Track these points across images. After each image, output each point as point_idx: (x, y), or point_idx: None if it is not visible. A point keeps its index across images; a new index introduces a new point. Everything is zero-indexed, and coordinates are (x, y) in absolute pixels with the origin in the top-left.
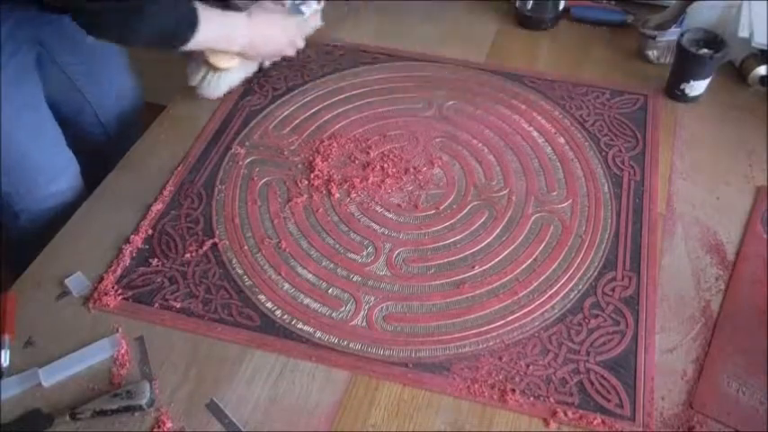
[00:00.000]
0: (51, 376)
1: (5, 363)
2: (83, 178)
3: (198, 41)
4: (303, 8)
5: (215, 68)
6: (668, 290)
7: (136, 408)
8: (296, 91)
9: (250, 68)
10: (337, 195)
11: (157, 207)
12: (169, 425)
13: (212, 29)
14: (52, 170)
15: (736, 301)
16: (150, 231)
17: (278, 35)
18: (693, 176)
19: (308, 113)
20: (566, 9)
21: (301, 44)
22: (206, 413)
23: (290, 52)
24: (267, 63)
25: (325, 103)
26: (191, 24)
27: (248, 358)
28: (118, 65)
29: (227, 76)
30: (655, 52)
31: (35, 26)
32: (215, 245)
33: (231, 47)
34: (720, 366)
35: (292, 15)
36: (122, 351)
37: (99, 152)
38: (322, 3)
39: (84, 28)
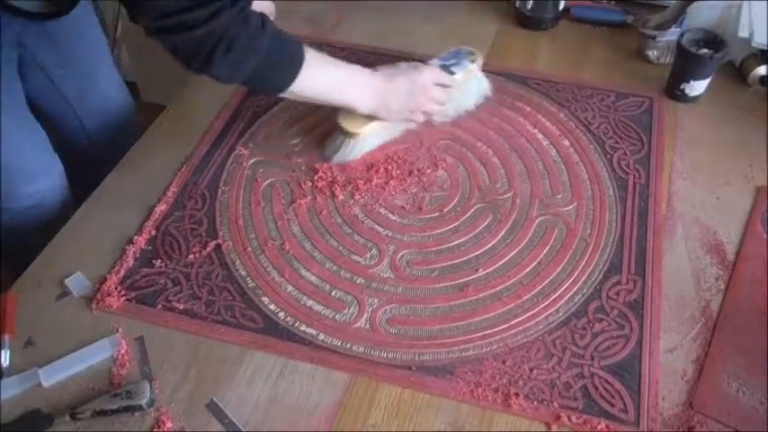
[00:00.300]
0: (51, 376)
1: (5, 363)
2: (71, 182)
3: (303, 87)
4: (455, 69)
5: (348, 133)
6: (668, 290)
7: (136, 408)
8: None
9: (392, 132)
10: (341, 197)
11: (161, 208)
12: (169, 425)
13: (320, 75)
14: (32, 170)
15: (736, 301)
16: (153, 232)
17: (409, 87)
18: (693, 176)
19: (313, 115)
20: (566, 9)
21: (441, 96)
22: (206, 413)
23: (434, 109)
24: (437, 119)
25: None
26: (293, 64)
27: (248, 358)
28: (103, 69)
29: (364, 143)
30: (655, 52)
31: (17, 27)
32: (218, 246)
33: (353, 103)
34: (720, 366)
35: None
36: (122, 351)
37: (84, 156)
38: (478, 62)
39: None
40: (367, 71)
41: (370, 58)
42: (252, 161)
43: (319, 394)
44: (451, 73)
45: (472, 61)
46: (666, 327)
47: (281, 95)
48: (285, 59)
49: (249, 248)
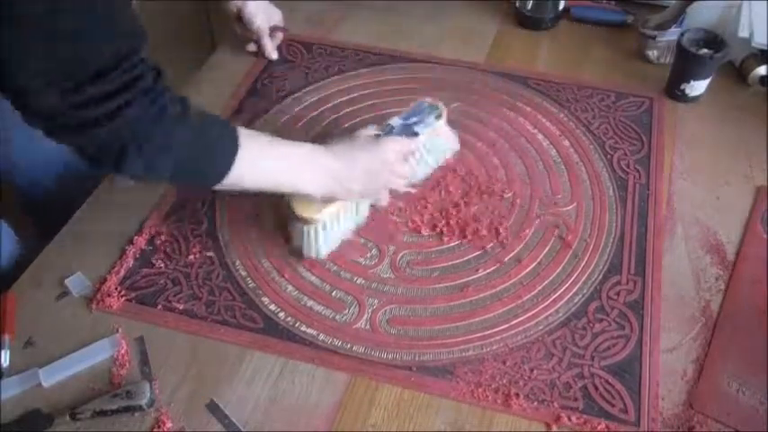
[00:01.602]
0: (51, 376)
1: (5, 363)
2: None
3: (241, 177)
4: (418, 128)
5: (306, 221)
6: (668, 290)
7: (136, 408)
8: (300, 92)
9: (362, 210)
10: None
11: (161, 208)
12: (169, 425)
13: (262, 162)
14: None
15: (736, 301)
16: (154, 232)
17: (369, 165)
18: (693, 176)
19: (313, 115)
20: (566, 9)
21: (406, 170)
22: (206, 413)
23: (399, 185)
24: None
25: (329, 105)
26: (225, 154)
27: (248, 358)
28: None
29: (332, 231)
30: (655, 52)
31: None
32: (218, 246)
33: (305, 189)
34: (720, 366)
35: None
36: (122, 351)
37: (44, 205)
38: (444, 116)
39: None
40: (320, 150)
41: (370, 58)
42: None
43: (319, 394)
44: (415, 134)
45: (437, 117)
46: (666, 327)
47: (216, 189)
48: (214, 150)
49: (249, 248)
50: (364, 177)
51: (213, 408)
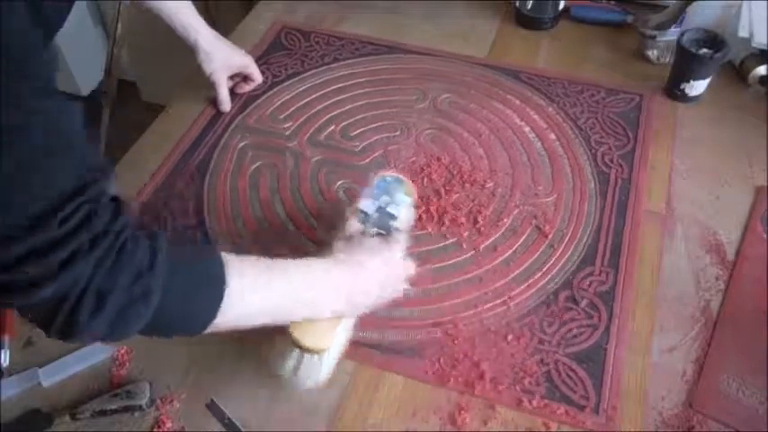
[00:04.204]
0: (51, 376)
1: (5, 363)
2: None
3: (235, 317)
4: (391, 209)
5: (310, 350)
6: (668, 290)
7: (136, 408)
8: (295, 78)
9: (350, 322)
10: (327, 182)
11: (147, 190)
12: (169, 425)
13: (258, 296)
14: None
15: (736, 301)
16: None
17: (387, 276)
18: (693, 176)
19: (305, 101)
20: (566, 9)
21: (412, 269)
22: (206, 413)
23: (406, 286)
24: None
25: (322, 92)
26: (209, 295)
27: (248, 358)
28: None
29: (331, 354)
30: (655, 52)
31: None
32: (206, 234)
33: (316, 316)
34: (720, 366)
35: (385, 231)
36: (122, 351)
37: None
38: (413, 191)
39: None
40: (329, 264)
41: (367, 48)
42: (242, 144)
43: (319, 394)
44: (393, 217)
45: (406, 193)
46: (666, 326)
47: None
48: (195, 295)
49: (235, 230)
50: (378, 287)
51: (213, 408)
